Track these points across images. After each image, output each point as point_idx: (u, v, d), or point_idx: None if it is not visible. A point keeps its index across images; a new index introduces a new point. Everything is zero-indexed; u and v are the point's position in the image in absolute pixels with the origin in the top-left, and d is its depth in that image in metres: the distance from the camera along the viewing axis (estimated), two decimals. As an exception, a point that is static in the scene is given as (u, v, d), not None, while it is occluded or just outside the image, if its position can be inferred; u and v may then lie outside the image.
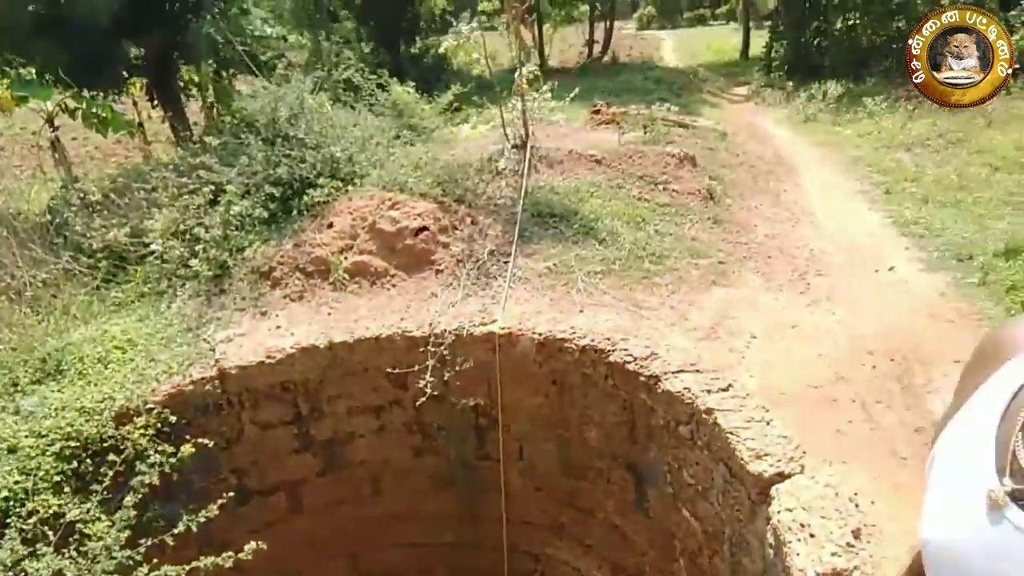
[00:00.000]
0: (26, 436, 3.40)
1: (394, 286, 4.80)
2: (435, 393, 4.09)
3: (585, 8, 23.95)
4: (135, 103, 11.36)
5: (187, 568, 3.04)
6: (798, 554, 2.51)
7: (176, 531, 3.12)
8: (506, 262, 4.90)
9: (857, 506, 2.67)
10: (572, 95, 7.90)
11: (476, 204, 5.52)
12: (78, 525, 3.12)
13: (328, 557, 4.68)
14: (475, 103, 9.85)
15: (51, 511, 3.14)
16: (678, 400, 3.46)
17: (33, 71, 8.15)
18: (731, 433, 3.11)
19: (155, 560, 3.04)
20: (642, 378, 3.67)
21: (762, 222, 6.12)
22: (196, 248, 4.83)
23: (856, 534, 2.52)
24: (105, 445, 3.50)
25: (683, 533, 3.68)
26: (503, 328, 4.19)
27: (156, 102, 9.79)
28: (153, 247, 4.91)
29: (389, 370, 4.21)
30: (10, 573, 2.88)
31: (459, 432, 4.47)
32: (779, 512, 2.70)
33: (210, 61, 9.35)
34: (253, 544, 3.13)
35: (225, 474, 4.14)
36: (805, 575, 2.43)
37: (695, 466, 3.46)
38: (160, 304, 4.64)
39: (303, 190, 5.27)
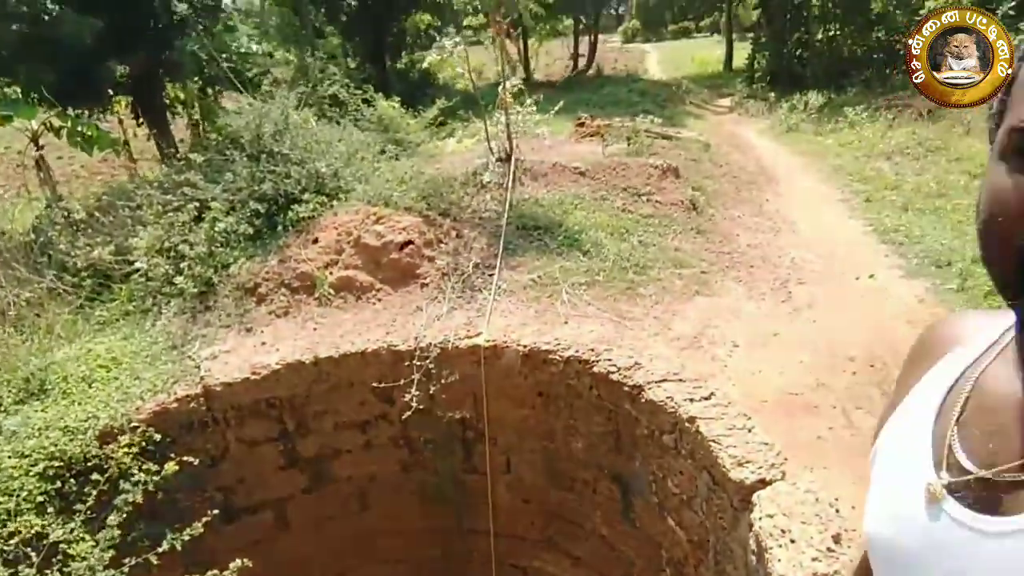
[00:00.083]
0: (8, 456, 3.38)
1: (379, 300, 4.81)
2: (421, 407, 4.09)
3: (570, 22, 24.18)
4: (120, 121, 11.38)
5: (172, 587, 3.03)
6: (779, 560, 2.53)
7: (160, 550, 3.11)
8: (491, 275, 4.93)
9: (837, 511, 2.69)
10: (557, 108, 7.98)
11: (461, 217, 5.55)
12: (61, 545, 3.10)
13: (316, 574, 4.66)
14: (461, 117, 9.94)
15: (34, 532, 3.12)
16: (661, 409, 3.48)
17: (18, 90, 8.16)
18: (713, 441, 3.13)
19: (140, 580, 3.04)
20: (626, 388, 3.70)
21: (744, 232, 6.18)
22: (181, 265, 4.83)
23: (836, 538, 2.54)
24: (89, 464, 3.49)
25: (669, 542, 3.69)
26: (488, 341, 4.21)
27: (141, 120, 9.80)
28: (138, 265, 4.91)
29: (375, 384, 4.21)
30: (-8, 595, 2.87)
31: (446, 446, 4.47)
32: (760, 518, 2.72)
33: (195, 78, 9.39)
34: (238, 562, 3.13)
35: (211, 492, 4.12)
36: (786, 581, 2.45)
37: (679, 475, 3.48)
38: (145, 322, 4.63)
39: (288, 206, 5.29)
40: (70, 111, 8.14)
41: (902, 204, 6.69)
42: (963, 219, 6.10)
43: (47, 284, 4.77)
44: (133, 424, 3.69)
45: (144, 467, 3.38)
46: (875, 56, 14.95)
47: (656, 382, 3.61)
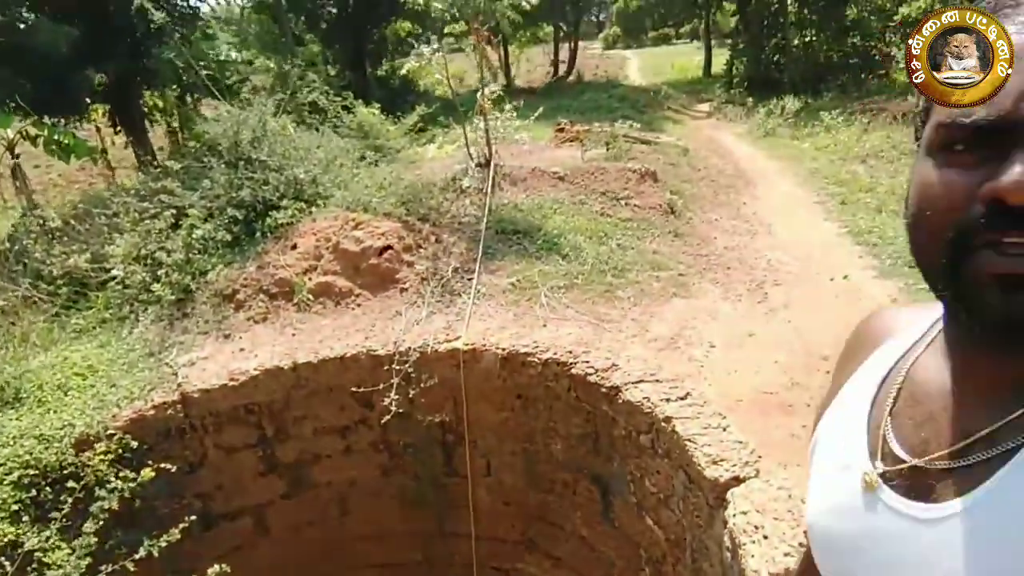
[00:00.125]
0: (-18, 466, 3.36)
1: (359, 305, 4.82)
2: (400, 411, 4.10)
3: (550, 29, 24.31)
4: (98, 129, 11.30)
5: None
6: (752, 556, 2.56)
7: (137, 557, 3.09)
8: (470, 279, 4.95)
9: (809, 507, 2.73)
10: (537, 114, 8.00)
11: (440, 223, 5.57)
12: (36, 554, 3.08)
13: (297, 580, 4.65)
14: (441, 124, 9.96)
15: (8, 540, 3.10)
16: (638, 410, 3.52)
17: (-7, 98, 8.09)
18: (689, 440, 3.17)
19: (117, 587, 3.02)
20: (603, 389, 3.73)
21: (722, 234, 6.25)
22: (158, 272, 4.81)
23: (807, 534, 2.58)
24: (64, 472, 3.47)
25: (647, 542, 3.72)
26: (467, 344, 4.23)
27: (118, 128, 9.74)
28: (114, 272, 4.88)
29: (354, 389, 4.21)
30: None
31: (426, 449, 4.48)
32: (734, 515, 2.75)
33: (173, 86, 9.35)
34: (216, 568, 3.12)
35: (189, 499, 4.10)
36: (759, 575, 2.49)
37: (656, 474, 3.52)
38: (122, 329, 4.61)
39: (266, 212, 5.28)
40: (46, 119, 8.07)
41: (876, 206, 6.79)
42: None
43: (22, 292, 4.74)
44: (109, 432, 3.67)
45: (121, 474, 3.37)
46: (851, 61, 15.19)
47: (633, 383, 3.65)
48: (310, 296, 4.77)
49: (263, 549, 4.42)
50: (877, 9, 14.81)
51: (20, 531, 3.17)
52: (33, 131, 7.97)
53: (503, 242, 5.44)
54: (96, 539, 3.13)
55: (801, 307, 4.76)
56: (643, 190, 6.63)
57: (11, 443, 3.48)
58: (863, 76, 14.45)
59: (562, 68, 24.36)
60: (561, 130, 9.62)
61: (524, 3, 6.46)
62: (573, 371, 3.89)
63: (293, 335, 4.51)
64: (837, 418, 0.83)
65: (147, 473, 3.29)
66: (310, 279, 4.86)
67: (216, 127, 5.96)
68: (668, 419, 3.33)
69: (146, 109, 10.69)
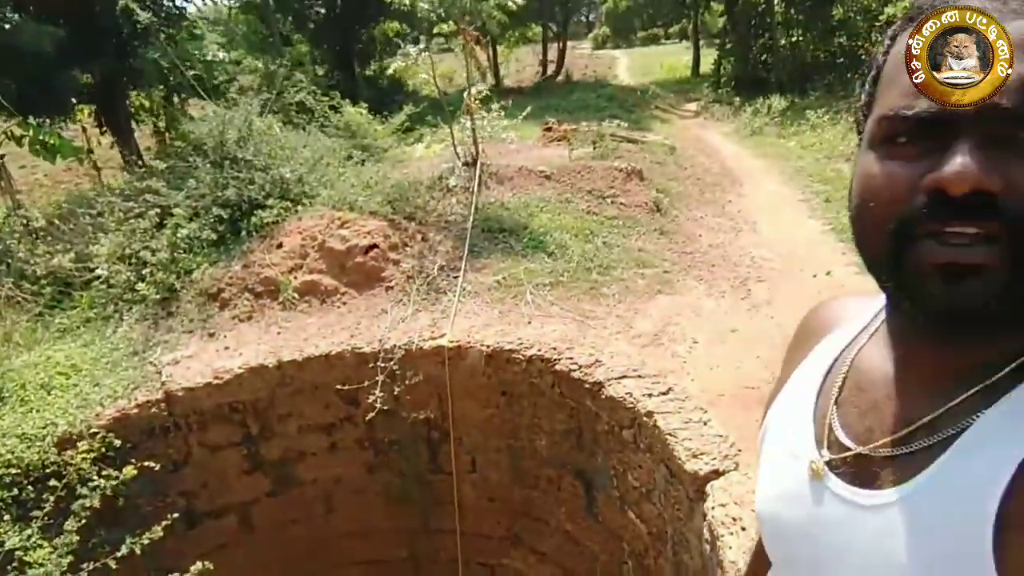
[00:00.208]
0: (-37, 465, 3.35)
1: (344, 304, 4.82)
2: (386, 408, 4.11)
3: (539, 29, 24.35)
4: (84, 129, 11.24)
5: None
6: (730, 547, 2.59)
7: (119, 555, 3.09)
8: (456, 277, 4.97)
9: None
10: (525, 113, 8.02)
11: (426, 221, 5.59)
12: (18, 553, 3.07)
13: (283, 579, 4.65)
14: (429, 123, 9.97)
15: (-11, 539, 3.09)
16: (621, 405, 3.54)
17: (-23, 99, 8.04)
18: (670, 435, 3.19)
19: (100, 585, 3.02)
20: (587, 385, 3.75)
21: (707, 232, 6.29)
22: (143, 272, 4.80)
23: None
24: (47, 471, 3.46)
25: (630, 535, 3.75)
26: (452, 341, 4.24)
27: (104, 128, 9.70)
28: (99, 272, 4.87)
29: (339, 387, 4.22)
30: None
31: (411, 446, 4.49)
32: (713, 508, 2.78)
33: (160, 86, 9.32)
34: (199, 565, 3.13)
35: (173, 497, 4.09)
36: (737, 566, 2.52)
37: (639, 468, 3.55)
38: (106, 329, 4.60)
39: (252, 211, 5.28)
40: (32, 120, 8.02)
41: (860, 204, 6.83)
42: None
43: (5, 292, 4.72)
44: (93, 430, 3.66)
45: (104, 473, 3.37)
46: (837, 61, 15.27)
47: (616, 378, 3.67)
48: (295, 295, 4.77)
49: (248, 547, 4.42)
50: (863, 9, 14.88)
51: (1, 530, 3.16)
52: (18, 131, 7.91)
53: (489, 240, 5.46)
54: (78, 538, 3.13)
55: (784, 303, 4.79)
56: (629, 188, 6.66)
57: (-7, 442, 3.47)
58: (849, 75, 14.52)
59: (551, 68, 24.40)
60: (549, 129, 9.65)
61: (510, 3, 6.47)
62: (557, 367, 3.91)
63: (278, 333, 4.51)
64: (785, 407, 0.84)
65: (129, 471, 3.30)
66: (295, 278, 4.87)
67: (202, 127, 5.96)
68: (650, 414, 3.35)
69: (132, 109, 10.66)
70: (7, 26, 8.17)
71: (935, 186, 0.57)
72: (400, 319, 4.55)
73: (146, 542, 3.18)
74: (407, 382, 4.15)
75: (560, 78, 22.68)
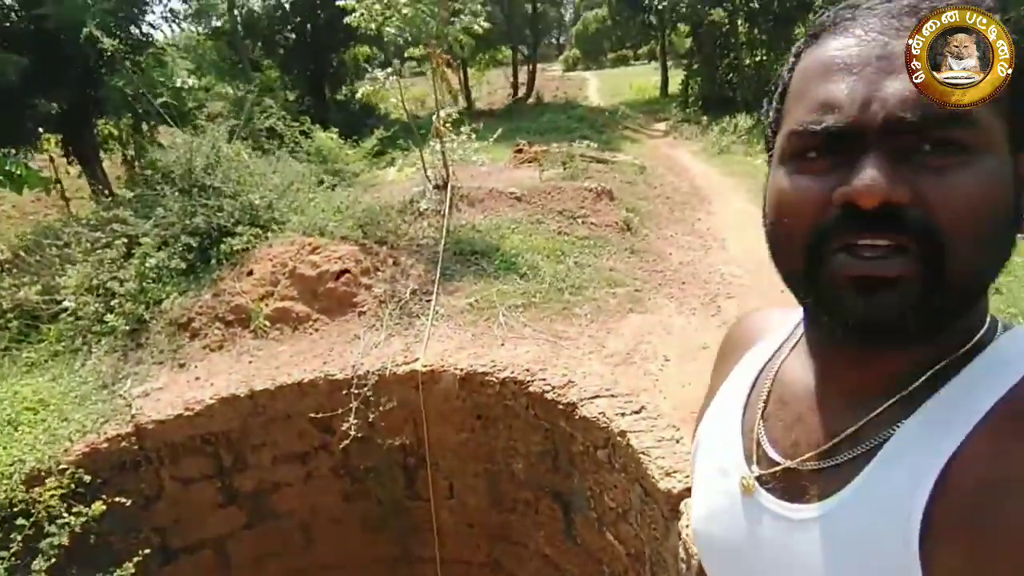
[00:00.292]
0: (-74, 506, 3.26)
1: (317, 330, 4.80)
2: (360, 435, 4.09)
3: (509, 52, 24.59)
4: (52, 159, 11.12)
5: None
6: (705, 565, 2.61)
7: (88, 593, 3.03)
8: (428, 300, 4.97)
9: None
10: (496, 136, 8.10)
11: (398, 245, 5.59)
12: (-17, 595, 3.00)
13: (259, 612, 4.57)
14: (401, 147, 10.00)
15: (-47, 583, 3.01)
16: (594, 425, 3.56)
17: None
18: (643, 453, 3.21)
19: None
20: (560, 406, 3.77)
21: (677, 250, 6.37)
22: (111, 303, 4.74)
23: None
24: (15, 510, 3.39)
25: (609, 557, 3.75)
26: (426, 366, 4.24)
27: (72, 157, 9.60)
28: (66, 304, 4.80)
29: (313, 415, 4.18)
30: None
31: (387, 473, 4.46)
32: (687, 526, 2.80)
33: (127, 114, 9.25)
34: (171, 601, 3.07)
35: (147, 533, 4.01)
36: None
37: (614, 489, 3.55)
38: (74, 362, 4.52)
39: (221, 239, 5.24)
40: (-4, 150, 7.94)
41: (826, 219, 6.96)
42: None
43: (-31, 328, 4.63)
44: (61, 466, 3.59)
45: (74, 510, 3.31)
46: (801, 79, 15.58)
47: (589, 398, 3.69)
48: (267, 322, 4.74)
49: (224, 582, 4.35)
50: (824, 28, 15.25)
51: (-34, 572, 3.08)
52: (-18, 162, 7.81)
53: (461, 263, 5.48)
54: (48, 577, 3.06)
55: (754, 319, 4.86)
56: (599, 208, 6.73)
57: (-44, 482, 3.39)
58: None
59: (522, 90, 24.62)
60: (520, 151, 9.73)
61: (477, 27, 6.54)
62: (531, 389, 3.92)
63: (250, 362, 4.47)
64: (714, 421, 0.84)
65: (98, 507, 3.24)
66: (267, 305, 4.84)
67: (169, 154, 5.93)
68: (623, 433, 3.37)
69: (101, 138, 10.56)
70: (-30, 56, 8.08)
71: (845, 200, 0.58)
72: (373, 344, 4.54)
73: (117, 580, 3.11)
74: (381, 408, 4.13)
75: (531, 100, 22.92)
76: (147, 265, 4.93)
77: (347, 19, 6.12)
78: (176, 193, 5.46)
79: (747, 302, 5.12)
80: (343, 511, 4.55)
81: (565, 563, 4.22)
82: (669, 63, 25.60)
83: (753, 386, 0.80)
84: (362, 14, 5.98)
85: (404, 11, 5.96)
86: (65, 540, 3.14)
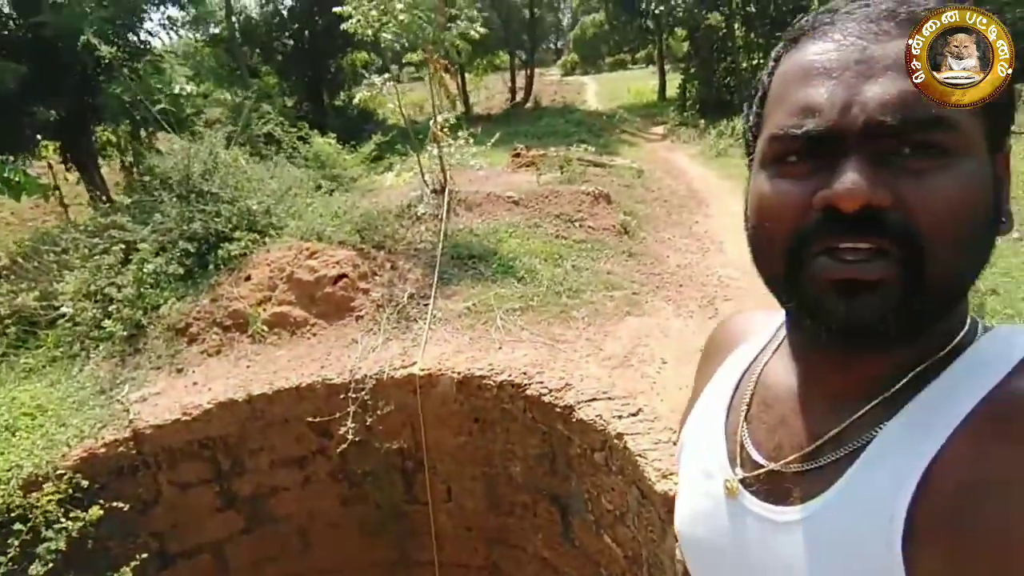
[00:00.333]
0: (-76, 512, 3.27)
1: (314, 335, 4.81)
2: (358, 439, 4.09)
3: (507, 57, 24.64)
4: (50, 166, 11.14)
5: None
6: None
7: (86, 598, 3.03)
8: (426, 304, 4.98)
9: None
10: (494, 140, 8.11)
11: (396, 249, 5.60)
12: (-20, 601, 3.01)
13: (258, 617, 4.57)
14: (399, 152, 10.02)
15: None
16: (591, 428, 3.57)
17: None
18: (640, 456, 3.22)
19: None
20: (558, 409, 3.77)
21: (674, 253, 6.38)
22: (109, 308, 4.75)
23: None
24: (12, 515, 3.39)
25: (607, 560, 3.75)
26: (423, 369, 4.25)
27: (70, 164, 9.62)
28: (64, 310, 4.81)
29: (310, 419, 4.19)
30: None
31: (385, 477, 4.46)
32: (684, 527, 2.80)
33: (125, 121, 9.28)
34: (169, 606, 3.08)
35: (144, 538, 4.02)
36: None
37: (612, 491, 3.56)
38: (72, 368, 4.53)
39: (219, 244, 5.26)
40: (-5, 157, 7.95)
41: (823, 221, 6.98)
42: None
43: (-33, 334, 4.64)
44: (59, 471, 3.60)
45: (71, 515, 3.31)
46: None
47: (586, 401, 3.70)
48: (264, 327, 4.75)
49: (222, 587, 4.34)
50: (820, 31, 15.31)
51: (-37, 578, 3.09)
52: (-19, 169, 7.82)
53: (459, 267, 5.49)
54: (45, 582, 3.06)
55: (751, 321, 4.86)
56: (597, 212, 6.75)
57: (-46, 488, 3.39)
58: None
59: (520, 95, 24.65)
60: (517, 155, 9.74)
61: (473, 32, 6.56)
62: (528, 392, 3.93)
63: (248, 367, 4.48)
64: (698, 424, 0.84)
65: (95, 512, 3.25)
66: (264, 310, 4.84)
67: (167, 160, 5.94)
68: (620, 436, 3.38)
69: (99, 145, 10.59)
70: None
71: (826, 203, 0.58)
72: (371, 348, 4.55)
73: (114, 585, 3.11)
74: (379, 412, 4.14)
75: (529, 104, 22.93)
76: (145, 271, 4.94)
77: (344, 25, 6.14)
78: (174, 199, 5.48)
79: (744, 304, 5.13)
80: (341, 515, 4.55)
81: (563, 566, 4.22)
82: (667, 67, 25.64)
83: (736, 388, 0.81)
84: (359, 20, 6.00)
85: (401, 17, 5.99)
86: (63, 545, 3.15)
